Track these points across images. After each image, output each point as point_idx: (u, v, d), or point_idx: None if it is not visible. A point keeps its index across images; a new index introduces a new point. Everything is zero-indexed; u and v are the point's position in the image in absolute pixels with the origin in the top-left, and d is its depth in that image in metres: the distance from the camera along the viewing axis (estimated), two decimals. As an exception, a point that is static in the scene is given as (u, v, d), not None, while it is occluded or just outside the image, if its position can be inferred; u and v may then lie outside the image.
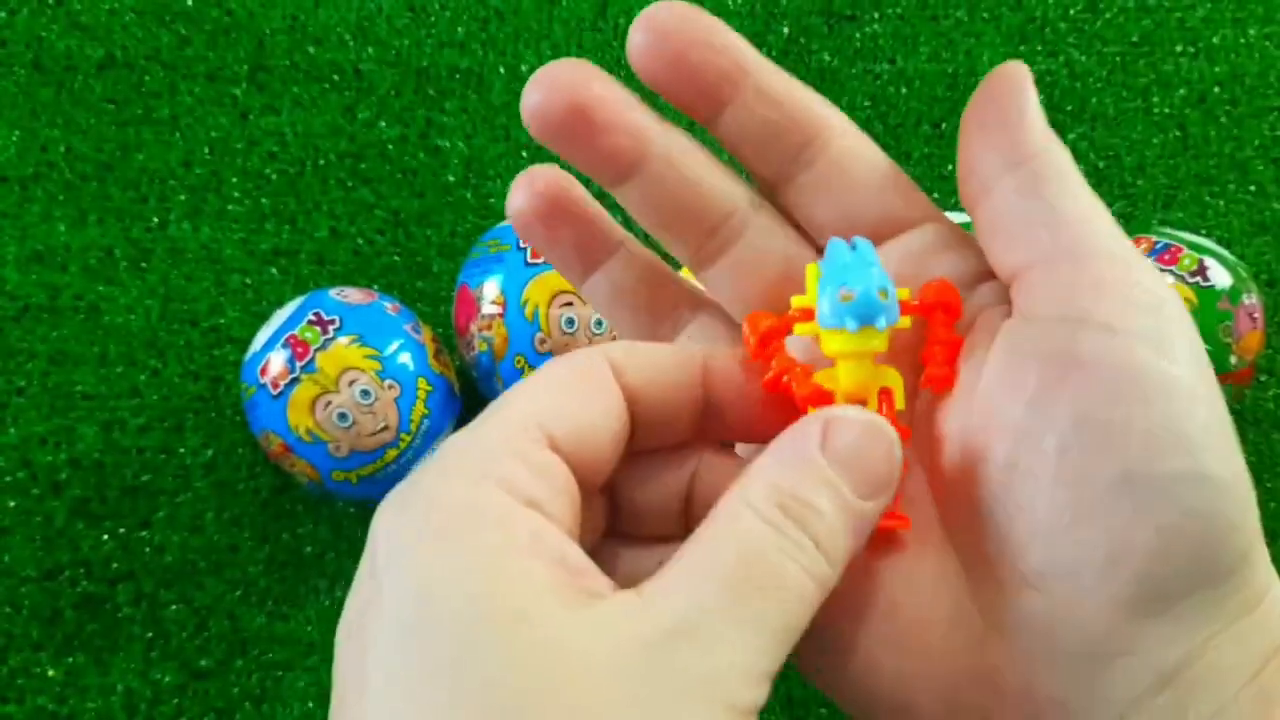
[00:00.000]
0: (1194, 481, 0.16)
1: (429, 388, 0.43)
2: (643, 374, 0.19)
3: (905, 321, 0.20)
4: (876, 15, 0.53)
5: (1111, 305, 0.17)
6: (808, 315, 0.20)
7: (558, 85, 0.19)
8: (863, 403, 0.20)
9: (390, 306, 0.44)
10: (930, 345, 0.20)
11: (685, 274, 0.21)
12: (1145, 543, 0.17)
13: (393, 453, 0.42)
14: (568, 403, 0.18)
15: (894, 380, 0.20)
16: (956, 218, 0.47)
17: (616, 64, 0.52)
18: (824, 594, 0.17)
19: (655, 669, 0.15)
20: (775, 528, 0.17)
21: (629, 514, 0.21)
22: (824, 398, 0.20)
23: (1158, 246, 0.42)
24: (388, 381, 0.42)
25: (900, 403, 0.20)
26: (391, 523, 0.17)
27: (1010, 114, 0.19)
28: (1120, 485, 0.17)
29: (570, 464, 0.18)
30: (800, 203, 0.21)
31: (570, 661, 0.15)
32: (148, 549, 0.45)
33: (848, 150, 0.20)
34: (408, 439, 0.42)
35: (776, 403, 0.20)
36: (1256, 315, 0.42)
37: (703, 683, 0.15)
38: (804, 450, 0.18)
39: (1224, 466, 0.17)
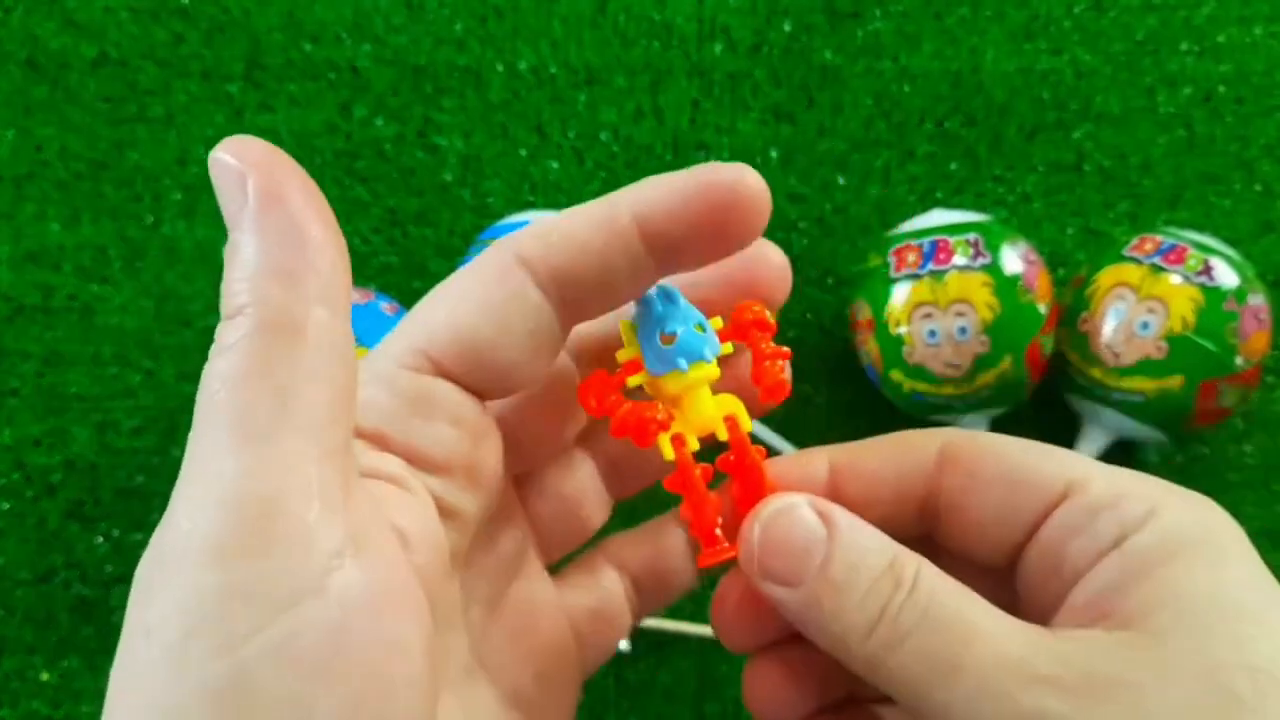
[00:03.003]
0: None
1: (426, 389, 0.42)
2: (563, 254, 0.19)
3: (728, 347, 0.21)
4: (879, 12, 0.52)
5: None
6: (634, 367, 0.21)
7: None
8: (711, 434, 0.21)
9: (387, 306, 0.43)
10: (757, 363, 0.21)
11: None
12: None
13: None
14: (463, 317, 0.19)
15: (735, 406, 0.21)
16: (955, 216, 0.46)
17: (616, 62, 0.51)
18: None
19: None
20: None
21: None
22: (653, 418, 0.20)
23: (1163, 246, 0.42)
24: (384, 383, 0.41)
25: (748, 424, 0.21)
26: None
27: None
28: None
29: (461, 378, 0.19)
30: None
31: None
32: (142, 552, 0.45)
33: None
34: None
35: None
36: (1263, 316, 0.41)
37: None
38: None
39: None
